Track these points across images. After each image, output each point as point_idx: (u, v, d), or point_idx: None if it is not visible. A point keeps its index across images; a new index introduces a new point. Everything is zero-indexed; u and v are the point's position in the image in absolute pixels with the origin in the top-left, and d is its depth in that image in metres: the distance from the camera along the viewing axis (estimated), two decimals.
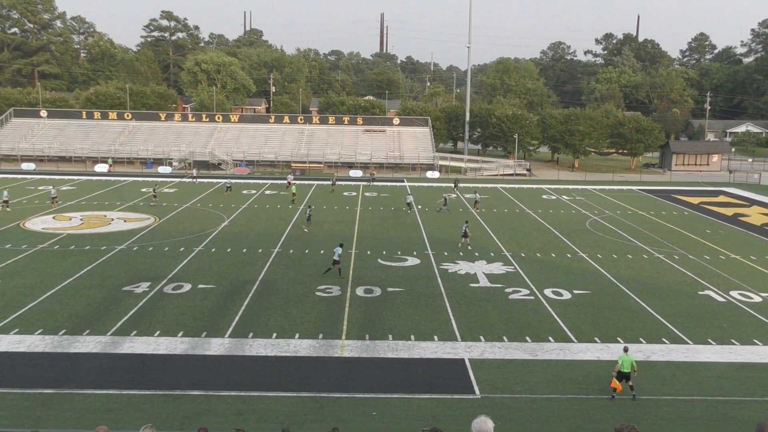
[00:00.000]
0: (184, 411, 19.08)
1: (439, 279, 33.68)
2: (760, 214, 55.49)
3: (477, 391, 20.98)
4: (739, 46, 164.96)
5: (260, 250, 38.76)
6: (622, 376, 20.56)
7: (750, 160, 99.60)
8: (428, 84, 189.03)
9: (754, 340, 26.01)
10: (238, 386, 20.75)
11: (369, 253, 38.86)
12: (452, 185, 68.99)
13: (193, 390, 20.40)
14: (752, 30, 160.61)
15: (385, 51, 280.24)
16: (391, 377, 21.89)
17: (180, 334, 25.02)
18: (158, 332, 25.17)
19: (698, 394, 21.32)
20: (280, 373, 21.96)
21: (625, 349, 21.17)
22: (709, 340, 25.88)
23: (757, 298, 31.60)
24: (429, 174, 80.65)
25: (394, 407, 19.78)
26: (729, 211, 56.47)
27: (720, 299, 31.42)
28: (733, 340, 25.94)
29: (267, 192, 63.06)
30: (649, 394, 21.22)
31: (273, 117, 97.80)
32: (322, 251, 38.72)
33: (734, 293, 32.36)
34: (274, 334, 25.27)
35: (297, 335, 25.25)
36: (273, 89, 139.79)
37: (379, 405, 19.85)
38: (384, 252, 39.08)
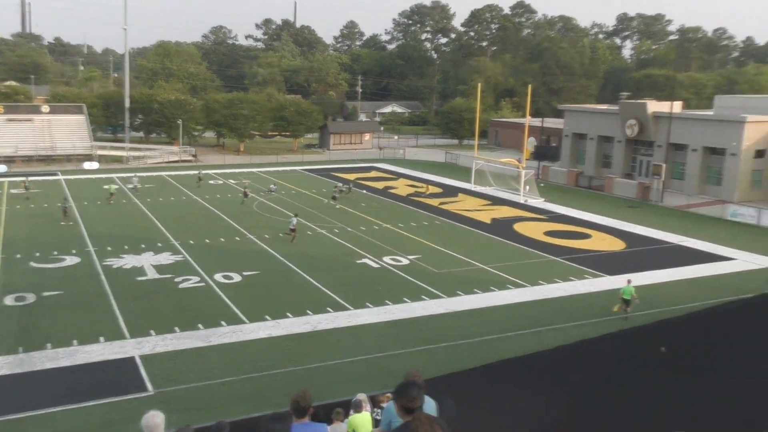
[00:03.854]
0: None
1: (103, 276, 31.72)
2: (405, 186, 62.22)
3: (150, 387, 20.43)
4: (384, 33, 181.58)
5: None
6: (624, 302, 26.81)
7: (396, 137, 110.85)
8: (82, 68, 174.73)
9: (404, 299, 29.32)
10: None
11: (19, 256, 34.96)
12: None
13: None
14: (394, 19, 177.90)
15: (28, 31, 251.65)
16: (52, 390, 20.17)
17: None
18: None
19: (360, 354, 23.45)
20: None
21: (629, 281, 27.46)
22: (368, 304, 28.52)
23: (405, 261, 35.56)
24: (87, 165, 74.86)
25: (58, 422, 18.34)
26: (380, 185, 62.27)
27: (375, 265, 34.72)
28: (387, 301, 28.93)
29: None
30: (318, 361, 22.74)
31: None
32: None
33: (387, 258, 35.98)
34: None
35: None
36: None
37: (40, 423, 18.21)
38: (37, 254, 35.48)
